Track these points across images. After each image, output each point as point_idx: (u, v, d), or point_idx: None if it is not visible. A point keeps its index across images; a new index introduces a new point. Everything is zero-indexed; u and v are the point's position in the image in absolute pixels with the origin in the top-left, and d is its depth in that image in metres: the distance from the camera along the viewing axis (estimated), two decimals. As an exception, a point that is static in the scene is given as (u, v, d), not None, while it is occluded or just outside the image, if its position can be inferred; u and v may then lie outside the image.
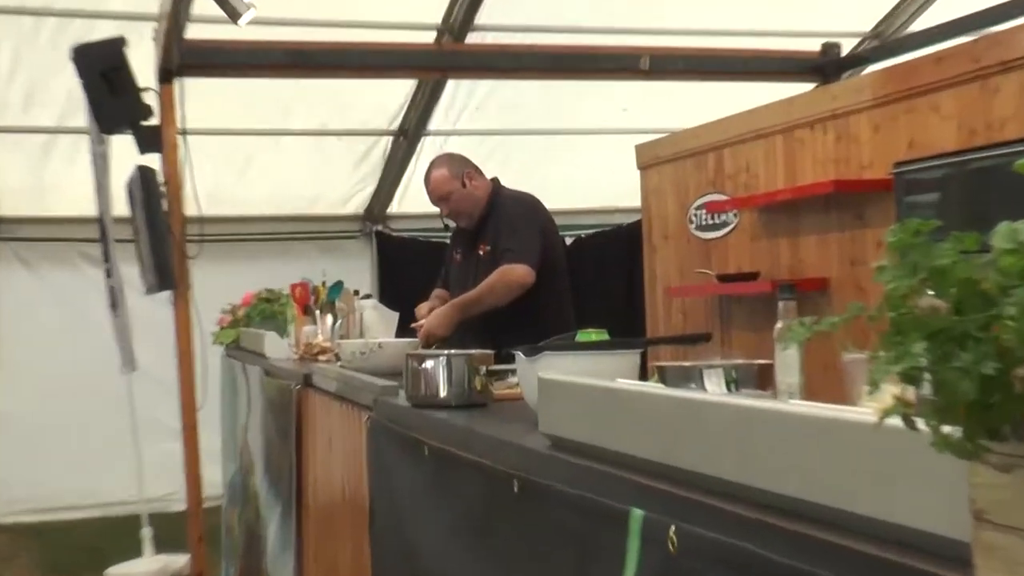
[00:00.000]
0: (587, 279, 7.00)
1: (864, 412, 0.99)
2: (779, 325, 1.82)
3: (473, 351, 2.36)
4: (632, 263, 6.82)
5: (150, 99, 4.77)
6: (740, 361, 1.95)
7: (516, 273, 3.62)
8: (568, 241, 7.10)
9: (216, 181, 6.39)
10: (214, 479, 5.26)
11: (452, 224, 4.02)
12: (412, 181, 6.82)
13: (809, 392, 1.76)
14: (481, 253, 3.82)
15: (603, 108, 6.42)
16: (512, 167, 6.72)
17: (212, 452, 5.44)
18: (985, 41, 3.35)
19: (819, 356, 1.87)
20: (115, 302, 5.50)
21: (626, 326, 6.59)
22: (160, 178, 4.88)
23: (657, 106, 6.32)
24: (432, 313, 3.71)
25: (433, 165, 3.94)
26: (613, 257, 7.11)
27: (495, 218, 3.79)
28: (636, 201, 5.57)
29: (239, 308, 5.05)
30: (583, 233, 7.25)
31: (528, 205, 3.86)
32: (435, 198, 3.86)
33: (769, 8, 6.03)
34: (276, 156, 6.54)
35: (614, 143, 6.53)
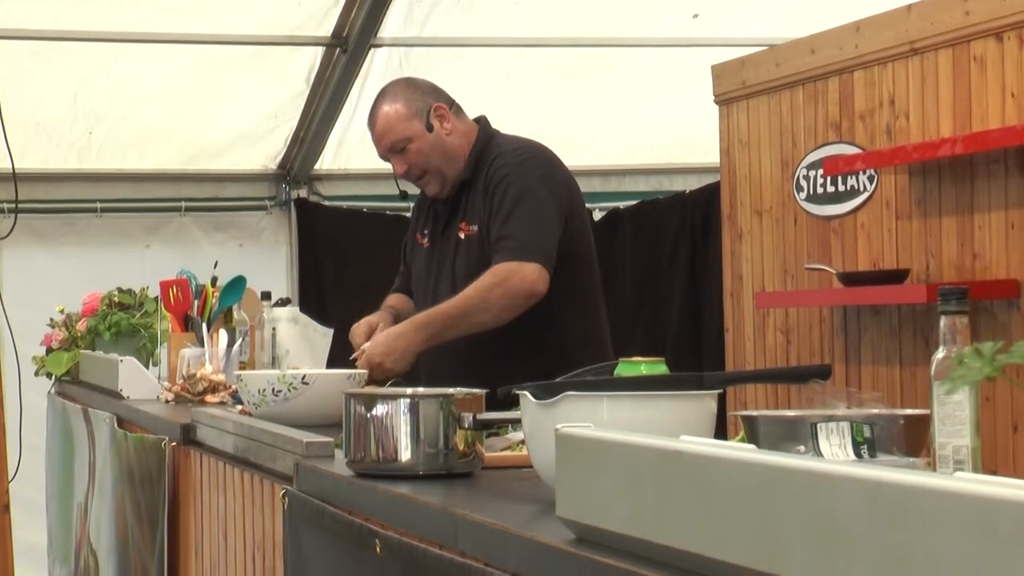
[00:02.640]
0: (627, 277, 7.03)
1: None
2: (940, 355, 1.83)
3: (452, 390, 2.37)
4: (700, 253, 6.86)
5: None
6: (876, 411, 1.97)
7: (522, 277, 3.61)
8: (598, 216, 7.13)
9: (41, 118, 6.39)
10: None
11: (412, 191, 4.02)
12: (354, 121, 6.83)
13: (988, 461, 1.78)
14: (462, 236, 3.80)
15: (661, 8, 6.45)
16: (511, 102, 6.76)
17: (33, 551, 5.45)
18: None
19: (1005, 405, 1.89)
20: None
21: (691, 353, 6.72)
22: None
23: (747, 5, 6.34)
24: (378, 335, 3.71)
25: (382, 96, 3.91)
26: (669, 243, 7.13)
27: (483, 182, 3.77)
28: (708, 156, 5.59)
29: (77, 319, 5.07)
30: (621, 205, 7.28)
31: (538, 162, 3.84)
32: (384, 147, 3.84)
33: None
34: (135, 78, 6.55)
35: (675, 62, 6.54)
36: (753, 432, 2.00)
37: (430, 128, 3.78)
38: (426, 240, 3.91)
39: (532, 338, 3.65)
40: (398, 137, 3.79)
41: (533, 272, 3.59)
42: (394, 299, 4.02)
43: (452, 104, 3.88)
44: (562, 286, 3.69)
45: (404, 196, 4.07)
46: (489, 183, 3.74)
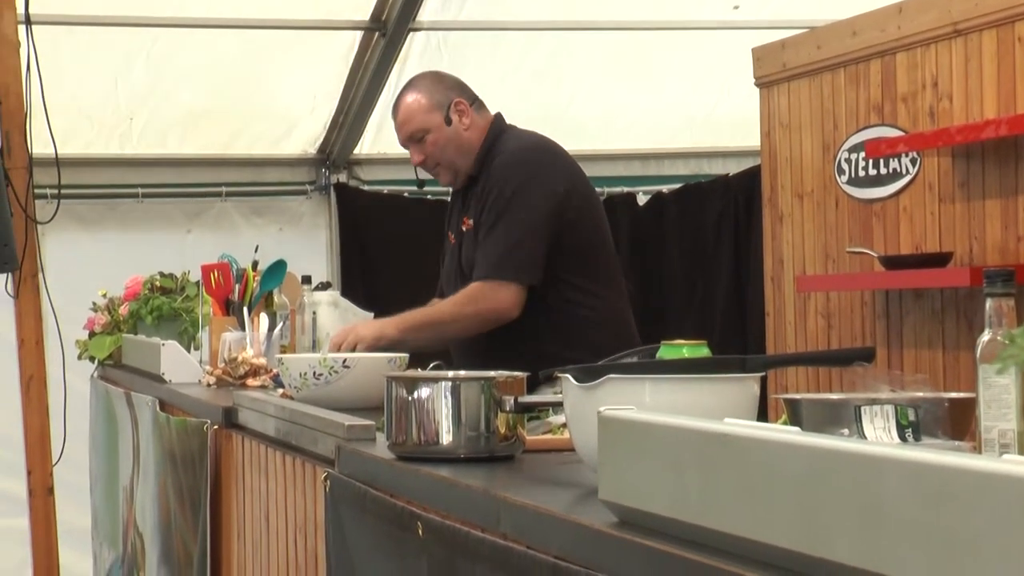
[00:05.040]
0: (671, 260, 7.03)
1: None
2: (985, 337, 1.82)
3: (494, 373, 2.38)
4: (742, 236, 6.85)
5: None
6: (921, 394, 1.96)
7: (495, 300, 3.76)
8: (642, 200, 7.12)
9: (83, 103, 6.43)
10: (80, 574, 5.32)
11: (428, 178, 4.14)
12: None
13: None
14: (465, 229, 3.91)
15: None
16: (550, 86, 6.76)
17: (77, 532, 5.48)
18: None
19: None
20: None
21: (734, 336, 6.72)
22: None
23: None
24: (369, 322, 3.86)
25: (407, 87, 4.06)
26: (712, 226, 7.13)
27: (485, 179, 3.87)
28: (750, 139, 5.57)
29: (119, 303, 5.10)
30: (665, 188, 7.27)
31: (535, 157, 3.90)
32: (404, 135, 3.98)
33: None
34: (174, 63, 6.57)
35: (716, 45, 6.52)
36: (796, 415, 2.00)
37: (448, 122, 3.91)
38: (452, 236, 4.04)
39: (543, 323, 3.75)
40: (417, 127, 3.92)
41: (507, 295, 3.74)
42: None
43: (474, 101, 3.99)
44: (573, 272, 3.82)
45: (421, 184, 4.19)
46: (487, 185, 3.86)
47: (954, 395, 1.97)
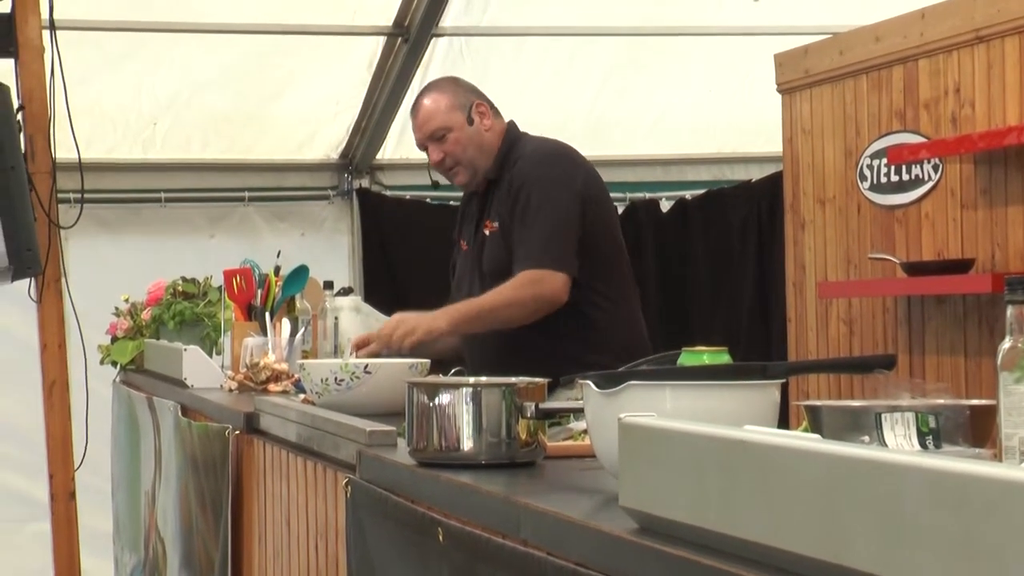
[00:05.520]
0: (695, 266, 7.02)
1: None
2: (1006, 344, 1.82)
3: (515, 379, 2.38)
4: (765, 242, 6.84)
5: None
6: (942, 401, 1.96)
7: (552, 284, 3.77)
8: (665, 206, 7.12)
9: (106, 108, 6.45)
10: (101, 578, 5.33)
11: (443, 180, 4.17)
12: (416, 109, 6.85)
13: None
14: (487, 232, 3.92)
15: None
16: (572, 90, 6.76)
17: (99, 537, 5.49)
18: None
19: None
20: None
21: (756, 342, 6.71)
22: (15, 101, 4.95)
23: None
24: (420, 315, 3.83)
25: (427, 89, 4.12)
26: (735, 232, 7.12)
27: (508, 181, 3.89)
28: (772, 145, 5.57)
29: (142, 308, 5.12)
30: (688, 194, 7.26)
31: (557, 161, 3.95)
32: (424, 133, 4.01)
33: None
34: (197, 68, 6.59)
35: (738, 50, 6.51)
36: (817, 422, 2.00)
37: (471, 121, 3.95)
38: (465, 243, 4.05)
39: (558, 327, 3.76)
40: (440, 125, 3.95)
41: (560, 281, 3.76)
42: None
43: (491, 104, 4.04)
44: (592, 275, 3.84)
45: (436, 186, 4.23)
46: (512, 185, 3.89)
47: (975, 402, 1.97)
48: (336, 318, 4.15)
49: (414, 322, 3.75)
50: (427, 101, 4.00)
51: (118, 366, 5.24)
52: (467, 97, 3.99)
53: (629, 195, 6.98)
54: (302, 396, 3.50)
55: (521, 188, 3.85)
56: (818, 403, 2.04)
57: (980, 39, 4.23)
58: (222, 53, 6.50)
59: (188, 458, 4.02)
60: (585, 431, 2.27)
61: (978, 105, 4.28)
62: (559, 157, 3.97)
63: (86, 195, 5.24)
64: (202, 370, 4.35)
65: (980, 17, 4.22)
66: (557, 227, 3.81)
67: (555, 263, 3.77)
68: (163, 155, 6.82)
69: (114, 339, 5.18)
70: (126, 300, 5.14)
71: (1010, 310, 1.83)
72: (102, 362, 5.23)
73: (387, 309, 4.51)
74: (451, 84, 4.08)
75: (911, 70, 4.53)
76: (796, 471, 1.41)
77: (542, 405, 2.32)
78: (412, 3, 6.42)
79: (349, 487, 2.62)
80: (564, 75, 6.73)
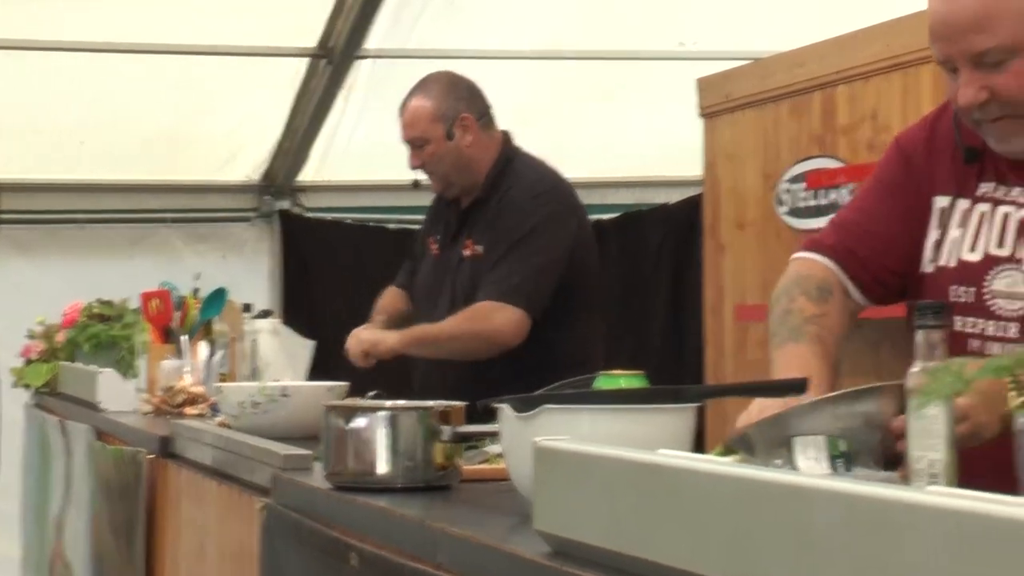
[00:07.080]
0: (614, 291, 7.03)
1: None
2: (915, 369, 1.84)
3: (432, 402, 2.37)
4: (682, 265, 6.86)
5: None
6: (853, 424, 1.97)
7: (502, 321, 3.71)
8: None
9: (17, 126, 6.38)
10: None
11: (424, 180, 4.10)
12: (339, 132, 6.83)
13: (961, 474, 1.78)
14: (466, 253, 3.87)
15: (648, 20, 6.46)
16: (497, 113, 6.75)
17: (9, 563, 5.42)
18: None
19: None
20: None
21: (671, 366, 6.72)
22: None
23: (733, 19, 6.36)
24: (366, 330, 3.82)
25: (420, 86, 4.01)
26: (651, 255, 7.15)
27: (496, 208, 3.83)
28: (691, 168, 5.59)
29: (56, 330, 5.07)
30: (604, 217, 7.28)
31: (551, 197, 3.90)
32: (405, 138, 3.97)
33: None
34: (117, 88, 6.54)
35: (661, 75, 6.54)
36: (732, 445, 2.00)
37: (451, 136, 3.89)
38: (436, 247, 3.99)
39: (525, 358, 3.70)
40: (418, 135, 3.91)
41: (514, 317, 3.71)
42: (389, 298, 4.08)
43: (483, 115, 3.97)
44: (559, 310, 3.80)
45: (416, 185, 4.19)
46: (501, 211, 3.83)
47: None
48: (254, 341, 4.14)
49: (362, 334, 3.76)
50: (413, 103, 3.93)
51: (31, 389, 5.19)
52: (454, 107, 3.91)
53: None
54: (219, 419, 3.48)
55: (509, 217, 3.80)
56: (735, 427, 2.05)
57: (897, 66, 4.28)
58: (144, 74, 6.45)
59: (101, 483, 3.98)
60: (501, 454, 2.27)
61: (895, 131, 4.30)
62: (556, 194, 3.92)
63: (2, 216, 5.18)
64: (117, 393, 4.31)
65: (898, 45, 4.26)
66: (535, 269, 3.76)
67: (518, 300, 3.71)
68: (82, 176, 6.77)
69: (28, 362, 5.13)
70: (41, 323, 5.09)
71: (919, 335, 1.85)
72: (15, 385, 5.18)
73: (308, 332, 4.50)
74: (441, 89, 3.97)
75: (830, 96, 4.57)
76: (708, 494, 1.41)
77: (458, 429, 2.32)
78: (336, 25, 6.41)
79: (264, 512, 2.60)
80: (488, 98, 6.73)
